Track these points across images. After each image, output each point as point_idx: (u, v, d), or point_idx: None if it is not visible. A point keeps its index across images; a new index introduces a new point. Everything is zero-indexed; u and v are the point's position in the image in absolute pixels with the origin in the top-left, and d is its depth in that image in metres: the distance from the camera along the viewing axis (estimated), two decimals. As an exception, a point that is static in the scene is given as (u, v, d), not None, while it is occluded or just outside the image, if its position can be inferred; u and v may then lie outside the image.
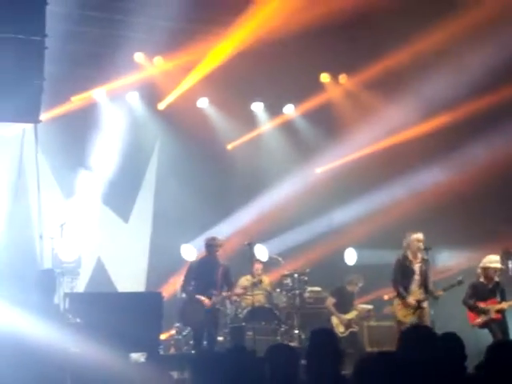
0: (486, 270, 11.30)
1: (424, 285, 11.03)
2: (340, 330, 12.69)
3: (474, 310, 11.23)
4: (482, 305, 11.20)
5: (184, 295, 11.56)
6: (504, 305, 11.19)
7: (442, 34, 12.03)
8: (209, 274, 11.27)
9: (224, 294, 11.40)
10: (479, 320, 11.20)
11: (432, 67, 13.27)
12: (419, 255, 11.14)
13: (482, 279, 11.32)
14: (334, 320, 12.79)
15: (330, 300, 12.97)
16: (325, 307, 13.17)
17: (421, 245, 11.06)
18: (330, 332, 5.46)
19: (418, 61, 13.16)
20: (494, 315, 11.14)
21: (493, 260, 11.37)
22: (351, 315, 12.81)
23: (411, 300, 10.93)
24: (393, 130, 14.35)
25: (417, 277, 11.08)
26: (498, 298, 11.27)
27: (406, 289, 11.06)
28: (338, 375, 5.07)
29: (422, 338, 4.97)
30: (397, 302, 11.13)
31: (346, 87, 15.38)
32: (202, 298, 11.13)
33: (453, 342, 5.21)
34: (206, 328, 11.22)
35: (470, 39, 11.86)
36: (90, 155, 14.16)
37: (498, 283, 11.34)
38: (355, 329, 12.80)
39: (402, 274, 11.12)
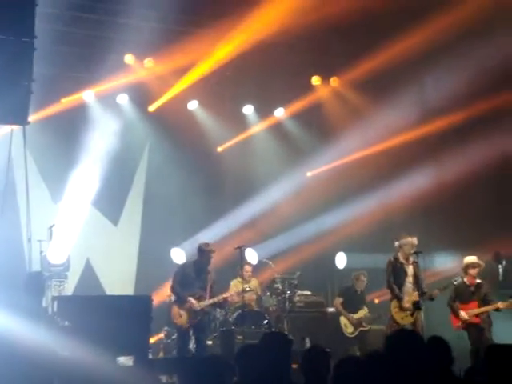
0: (465, 269, 11.38)
1: (418, 287, 11.01)
2: (349, 330, 12.70)
3: (456, 313, 11.30)
4: (462, 312, 11.23)
5: (173, 297, 11.49)
6: (483, 309, 11.22)
7: (433, 35, 11.99)
8: (199, 278, 11.26)
9: (215, 299, 11.37)
10: (459, 324, 11.30)
11: (423, 70, 13.26)
12: (410, 258, 11.13)
13: (464, 280, 11.38)
14: (343, 320, 12.82)
15: (337, 300, 13.01)
16: (315, 311, 13.16)
17: (414, 249, 11.06)
18: (282, 335, 5.45)
19: (408, 65, 13.15)
20: (473, 319, 11.21)
21: (470, 258, 11.45)
22: (360, 314, 12.76)
23: (406, 303, 10.90)
24: (383, 133, 14.32)
25: (410, 279, 11.06)
26: (479, 301, 11.31)
27: (400, 290, 11.04)
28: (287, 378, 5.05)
29: (408, 341, 4.96)
30: (394, 304, 11.10)
31: (336, 90, 15.38)
32: (193, 300, 11.09)
33: (439, 346, 5.22)
34: (194, 333, 11.19)
35: (464, 38, 11.79)
36: (79, 157, 14.07)
37: (479, 285, 11.40)
38: (366, 328, 12.75)
39: (395, 276, 11.10)
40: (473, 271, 11.32)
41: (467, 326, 11.21)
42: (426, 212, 13.80)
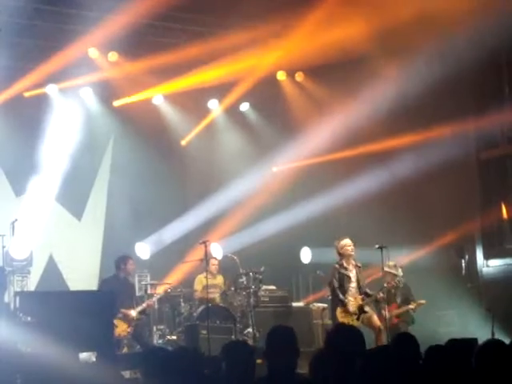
0: (384, 275, 11.56)
1: (361, 290, 11.14)
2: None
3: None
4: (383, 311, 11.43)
5: None
6: (401, 310, 11.75)
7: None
8: (124, 289, 11.74)
9: (143, 305, 11.87)
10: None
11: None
12: (352, 261, 11.23)
13: (385, 284, 11.53)
14: None
15: None
16: (280, 305, 13.24)
17: (351, 249, 11.17)
18: (288, 330, 5.44)
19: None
20: (393, 320, 11.59)
21: (389, 265, 11.64)
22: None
23: (351, 307, 10.99)
24: (346, 130, 14.18)
25: (354, 284, 11.18)
26: (399, 302, 11.79)
27: (345, 296, 11.11)
28: (294, 373, 5.04)
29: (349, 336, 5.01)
30: (339, 310, 11.11)
31: (302, 85, 15.39)
32: (127, 311, 11.55)
33: (407, 342, 5.28)
34: (134, 340, 11.73)
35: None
36: (42, 151, 13.92)
37: (396, 288, 11.68)
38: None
39: (340, 281, 11.17)
40: (390, 277, 11.57)
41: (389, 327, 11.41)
42: (388, 207, 13.79)
